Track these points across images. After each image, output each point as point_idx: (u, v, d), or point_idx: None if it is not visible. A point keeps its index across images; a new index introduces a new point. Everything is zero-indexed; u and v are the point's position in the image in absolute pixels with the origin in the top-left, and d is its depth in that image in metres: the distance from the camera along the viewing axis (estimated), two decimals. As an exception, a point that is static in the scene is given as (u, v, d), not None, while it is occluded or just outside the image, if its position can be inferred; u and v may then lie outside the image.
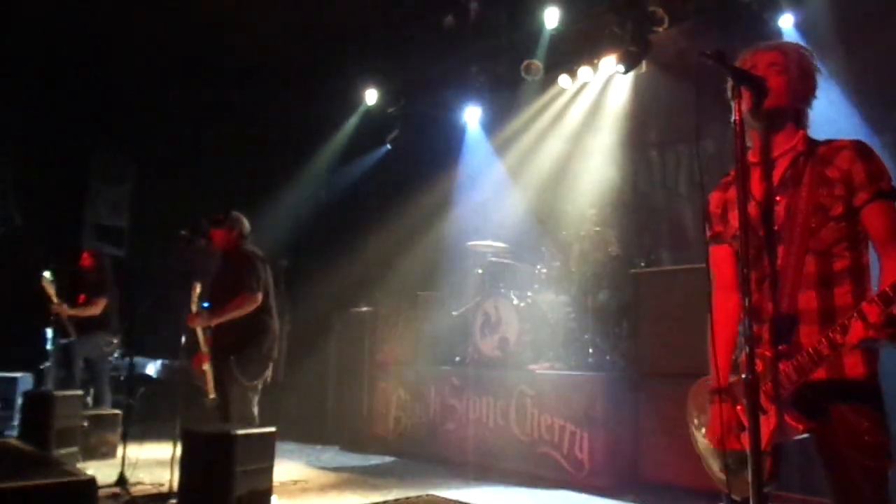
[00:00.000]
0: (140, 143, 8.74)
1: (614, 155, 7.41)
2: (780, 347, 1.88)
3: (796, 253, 1.92)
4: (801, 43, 2.19)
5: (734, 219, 2.10)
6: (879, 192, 1.89)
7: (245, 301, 4.42)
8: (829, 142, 2.02)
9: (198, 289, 4.41)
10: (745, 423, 1.90)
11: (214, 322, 4.44)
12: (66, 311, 6.52)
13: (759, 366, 1.84)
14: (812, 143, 2.03)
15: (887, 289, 1.65)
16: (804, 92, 2.07)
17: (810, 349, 1.81)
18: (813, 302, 1.92)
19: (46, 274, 6.40)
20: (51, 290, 6.39)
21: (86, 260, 6.94)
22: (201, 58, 8.20)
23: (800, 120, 2.07)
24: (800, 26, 5.68)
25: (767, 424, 1.83)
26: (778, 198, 1.99)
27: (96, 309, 6.61)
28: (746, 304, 1.71)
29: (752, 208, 1.98)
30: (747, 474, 1.67)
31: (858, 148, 1.94)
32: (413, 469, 5.75)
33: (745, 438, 1.78)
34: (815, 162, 1.97)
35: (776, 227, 1.97)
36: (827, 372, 1.86)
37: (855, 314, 1.70)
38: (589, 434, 4.99)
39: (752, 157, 2.07)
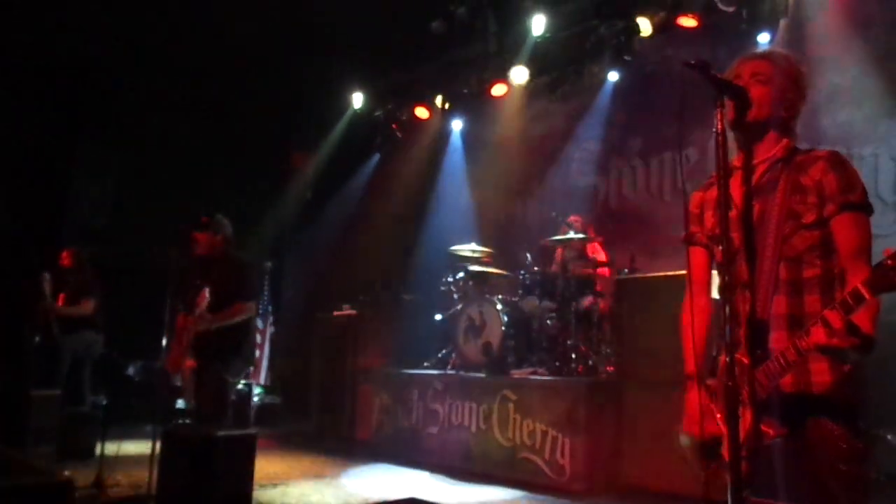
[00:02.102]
0: (123, 142, 8.66)
1: (599, 161, 7.46)
2: (757, 353, 1.87)
3: (770, 258, 1.93)
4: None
5: (710, 219, 2.14)
6: (848, 205, 1.89)
7: (244, 310, 4.54)
8: (808, 151, 2.02)
9: (207, 295, 4.42)
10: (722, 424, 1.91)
11: (214, 326, 4.44)
12: (61, 310, 6.53)
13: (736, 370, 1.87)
14: (792, 152, 2.03)
15: (846, 296, 1.65)
16: (789, 101, 2.05)
17: (778, 355, 1.82)
18: (783, 308, 1.93)
19: (46, 274, 6.48)
20: (47, 290, 6.43)
21: (65, 259, 6.89)
22: (186, 57, 8.14)
23: (786, 129, 2.05)
24: (776, 44, 5.77)
25: (742, 428, 1.80)
26: (753, 202, 1.99)
27: (88, 308, 6.64)
28: (727, 310, 1.70)
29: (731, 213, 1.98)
30: (724, 475, 1.68)
31: (832, 159, 1.94)
32: (395, 473, 5.74)
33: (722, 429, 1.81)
34: (790, 169, 1.98)
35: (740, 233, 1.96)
36: (794, 383, 1.87)
37: (818, 320, 1.71)
38: (571, 440, 5.00)
39: (735, 161, 2.06)
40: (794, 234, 1.93)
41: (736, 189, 1.97)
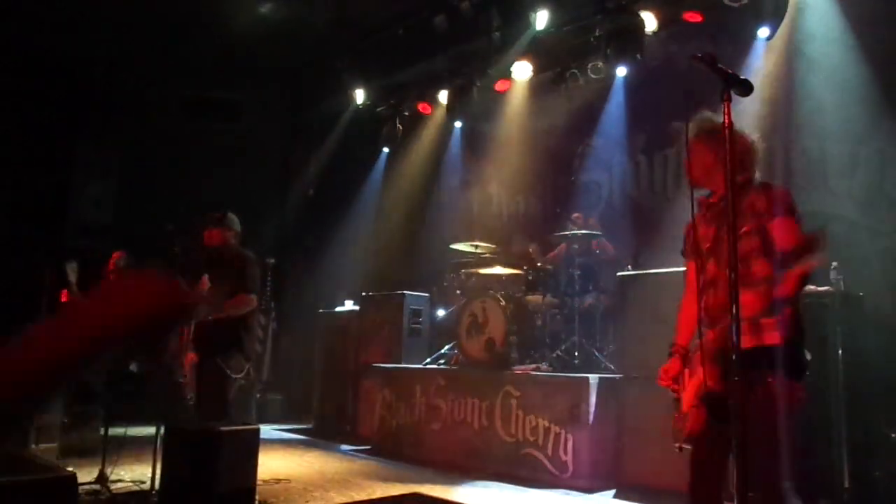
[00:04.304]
0: (125, 139, 8.66)
1: (602, 158, 7.44)
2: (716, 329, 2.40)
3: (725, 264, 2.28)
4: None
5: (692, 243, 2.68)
6: (777, 213, 2.31)
7: (244, 302, 4.52)
8: (744, 183, 2.40)
9: (206, 281, 4.42)
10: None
11: (212, 317, 4.44)
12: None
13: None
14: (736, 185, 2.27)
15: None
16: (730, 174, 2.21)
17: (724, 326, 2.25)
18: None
19: (73, 263, 6.43)
20: (72, 279, 6.41)
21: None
22: (188, 54, 8.14)
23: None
24: (774, 38, 5.77)
25: (694, 382, 2.47)
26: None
27: None
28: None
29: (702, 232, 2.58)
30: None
31: (761, 186, 2.43)
32: (397, 469, 5.74)
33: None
34: (736, 195, 2.26)
35: (706, 248, 2.55)
36: (750, 341, 2.21)
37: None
38: (573, 436, 5.00)
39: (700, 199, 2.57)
40: (740, 242, 2.33)
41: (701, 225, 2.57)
